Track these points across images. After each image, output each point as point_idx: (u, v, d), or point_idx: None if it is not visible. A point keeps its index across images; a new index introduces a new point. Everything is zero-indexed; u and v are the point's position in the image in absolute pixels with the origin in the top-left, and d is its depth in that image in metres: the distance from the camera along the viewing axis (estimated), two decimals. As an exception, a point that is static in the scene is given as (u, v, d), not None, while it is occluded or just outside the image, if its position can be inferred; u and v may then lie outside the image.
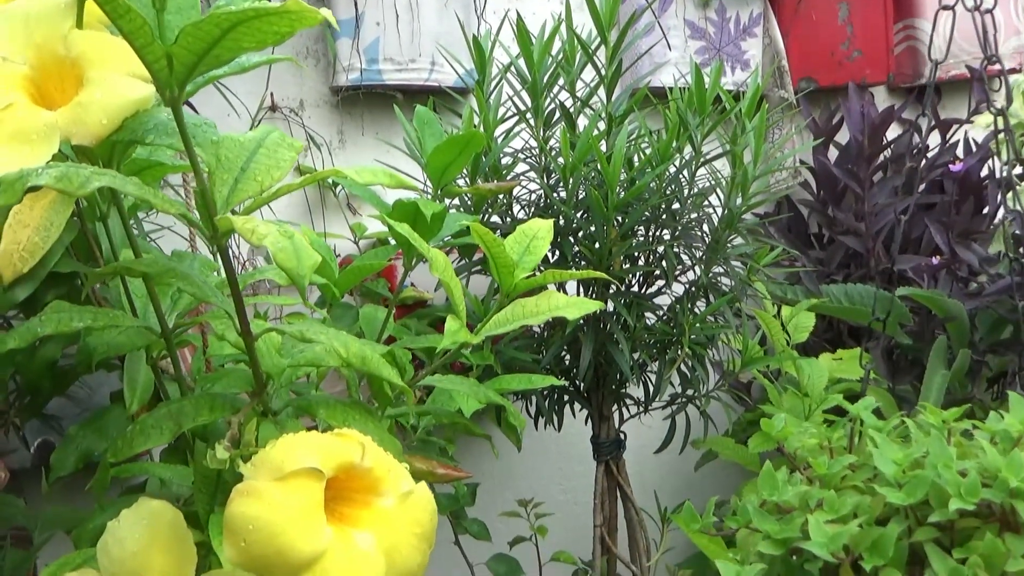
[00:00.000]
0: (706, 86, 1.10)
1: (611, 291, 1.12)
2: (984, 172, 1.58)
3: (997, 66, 1.70)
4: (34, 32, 0.54)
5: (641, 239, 1.14)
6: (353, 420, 0.56)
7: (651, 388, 1.18)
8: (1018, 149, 1.07)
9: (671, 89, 1.16)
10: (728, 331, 1.16)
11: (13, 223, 0.72)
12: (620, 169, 1.03)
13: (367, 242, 1.44)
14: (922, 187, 1.59)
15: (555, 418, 1.18)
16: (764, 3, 1.61)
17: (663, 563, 1.22)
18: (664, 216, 1.13)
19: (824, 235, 1.64)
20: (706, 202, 1.16)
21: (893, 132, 1.64)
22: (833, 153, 1.62)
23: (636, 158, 1.12)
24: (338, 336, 0.52)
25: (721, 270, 1.17)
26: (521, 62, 1.12)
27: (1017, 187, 1.09)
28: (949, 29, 1.03)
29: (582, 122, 1.14)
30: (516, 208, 1.17)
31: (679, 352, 1.13)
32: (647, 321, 1.15)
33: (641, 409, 1.21)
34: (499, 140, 1.13)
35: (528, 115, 1.14)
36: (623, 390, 1.20)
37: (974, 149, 1.60)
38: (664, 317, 1.16)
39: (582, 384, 1.17)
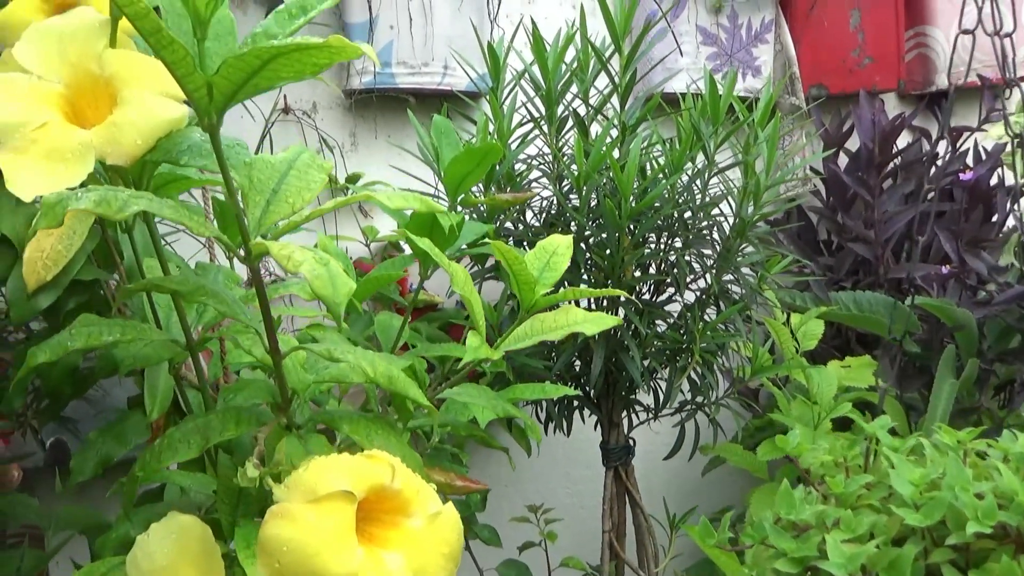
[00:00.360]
0: (720, 95, 1.11)
1: (622, 299, 1.12)
2: (994, 181, 1.59)
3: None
4: (68, 51, 0.54)
5: (653, 247, 1.15)
6: (376, 435, 0.57)
7: (661, 395, 1.19)
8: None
9: (683, 96, 1.17)
10: (738, 339, 1.16)
11: (37, 232, 0.73)
12: (634, 178, 1.03)
13: (378, 245, 1.44)
14: (931, 195, 1.59)
15: (564, 423, 1.19)
16: (776, 9, 1.61)
17: (671, 569, 1.23)
18: (676, 225, 1.14)
19: (833, 242, 1.64)
20: (716, 210, 1.17)
21: (904, 140, 1.64)
22: (843, 160, 1.63)
23: (649, 167, 1.13)
24: (365, 356, 0.53)
25: (731, 278, 1.17)
26: (535, 69, 1.13)
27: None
28: (962, 47, 1.03)
29: (595, 129, 1.15)
30: (529, 215, 1.18)
31: (689, 359, 1.14)
32: (658, 328, 1.16)
33: (651, 416, 1.22)
34: (513, 147, 1.14)
35: (542, 122, 1.15)
36: (633, 396, 1.20)
37: (984, 157, 1.61)
38: (675, 324, 1.17)
39: (592, 390, 1.18)
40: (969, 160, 1.63)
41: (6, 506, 1.01)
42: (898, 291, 1.54)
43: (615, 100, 1.14)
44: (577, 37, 1.13)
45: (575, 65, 1.14)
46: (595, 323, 0.69)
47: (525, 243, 1.15)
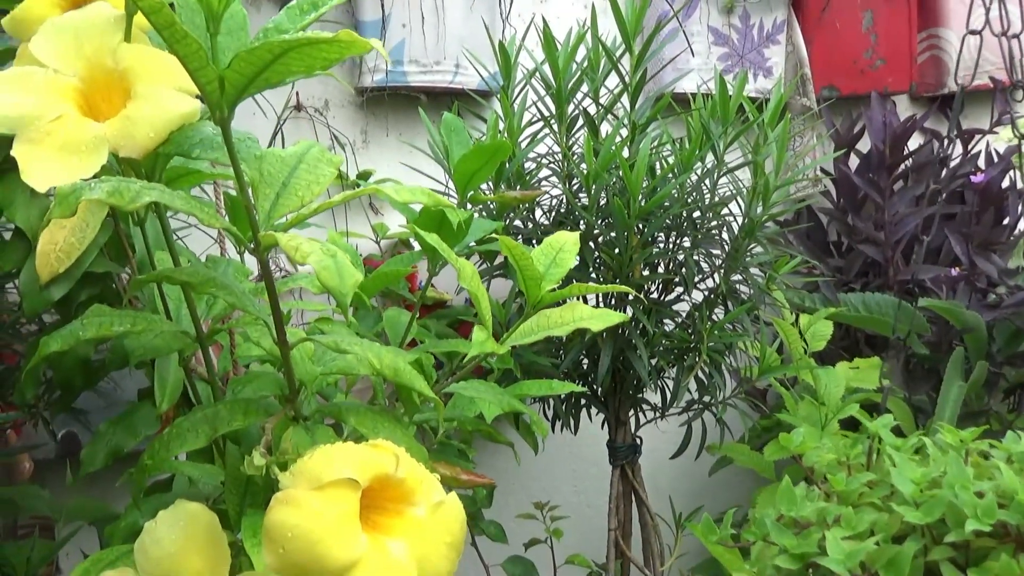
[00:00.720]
0: (730, 96, 1.11)
1: (630, 297, 1.13)
2: (1006, 183, 1.59)
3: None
4: (84, 45, 0.55)
5: (661, 246, 1.15)
6: (382, 428, 0.58)
7: (668, 394, 1.20)
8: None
9: (694, 96, 1.17)
10: (746, 339, 1.17)
11: (50, 224, 0.74)
12: (643, 177, 1.04)
13: (388, 242, 1.45)
14: (942, 197, 1.59)
15: (571, 421, 1.20)
16: (788, 10, 1.61)
17: (677, 568, 1.23)
18: (685, 224, 1.14)
19: (843, 243, 1.64)
20: (726, 210, 1.17)
21: (915, 141, 1.64)
22: (854, 161, 1.63)
23: (658, 166, 1.13)
24: (371, 347, 0.53)
25: (740, 278, 1.18)
26: (546, 68, 1.13)
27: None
28: (973, 48, 1.03)
29: (605, 128, 1.15)
30: (538, 213, 1.18)
31: (697, 359, 1.14)
32: (666, 327, 1.17)
33: (658, 415, 1.22)
34: (523, 146, 1.14)
35: (552, 121, 1.15)
36: (640, 395, 1.21)
37: (996, 160, 1.60)
38: (683, 324, 1.17)
39: (599, 388, 1.18)
40: (981, 162, 1.63)
41: (18, 497, 1.02)
42: (908, 293, 1.54)
43: (625, 99, 1.14)
44: (588, 36, 1.13)
45: (585, 64, 1.14)
46: (601, 319, 0.70)
47: (534, 241, 1.16)
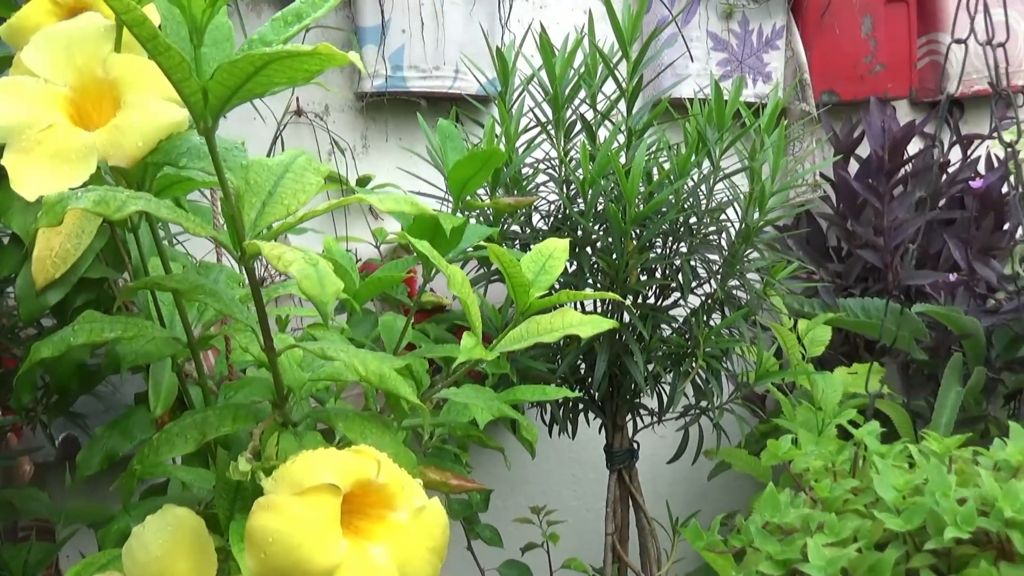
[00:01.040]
0: (726, 101, 1.11)
1: (627, 303, 1.13)
2: (1005, 188, 1.58)
3: (1022, 82, 1.70)
4: (75, 55, 0.56)
5: (658, 252, 1.15)
6: (370, 433, 0.58)
7: (665, 399, 1.20)
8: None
9: (691, 102, 1.18)
10: (743, 344, 1.17)
11: (46, 230, 0.75)
12: (638, 183, 1.04)
13: (388, 246, 1.46)
14: (942, 203, 1.59)
15: (569, 426, 1.20)
16: (787, 16, 1.61)
17: (673, 573, 1.24)
18: (682, 230, 1.14)
19: (843, 248, 1.64)
20: (723, 215, 1.17)
21: (916, 146, 1.64)
22: (854, 166, 1.63)
23: (656, 171, 1.13)
24: (357, 354, 0.54)
25: (737, 283, 1.18)
26: (543, 74, 1.14)
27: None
28: (972, 54, 1.04)
29: (603, 134, 1.16)
30: (536, 218, 1.19)
31: (693, 364, 1.15)
32: (663, 333, 1.17)
33: (655, 420, 1.22)
34: (520, 151, 1.15)
35: (549, 127, 1.16)
36: (637, 400, 1.21)
37: (996, 165, 1.60)
38: (679, 329, 1.17)
39: (597, 393, 1.19)
40: (981, 167, 1.63)
41: (17, 499, 1.03)
42: (907, 298, 1.54)
43: (622, 105, 1.15)
44: (586, 42, 1.14)
45: (583, 70, 1.15)
46: (591, 326, 0.70)
47: (531, 246, 1.16)
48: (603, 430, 1.22)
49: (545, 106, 1.16)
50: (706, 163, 1.14)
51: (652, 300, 1.19)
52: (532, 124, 1.17)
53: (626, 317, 1.13)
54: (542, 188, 1.18)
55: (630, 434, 1.22)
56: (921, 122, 1.62)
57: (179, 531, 0.52)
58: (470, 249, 0.90)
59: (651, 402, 1.22)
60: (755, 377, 1.21)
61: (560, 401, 1.18)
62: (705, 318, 1.15)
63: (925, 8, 1.68)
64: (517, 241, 1.17)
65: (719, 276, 1.16)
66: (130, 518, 0.65)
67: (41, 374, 0.89)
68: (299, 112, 1.44)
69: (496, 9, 1.48)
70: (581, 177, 1.08)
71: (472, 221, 1.16)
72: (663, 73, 1.47)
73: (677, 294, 1.17)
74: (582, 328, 0.70)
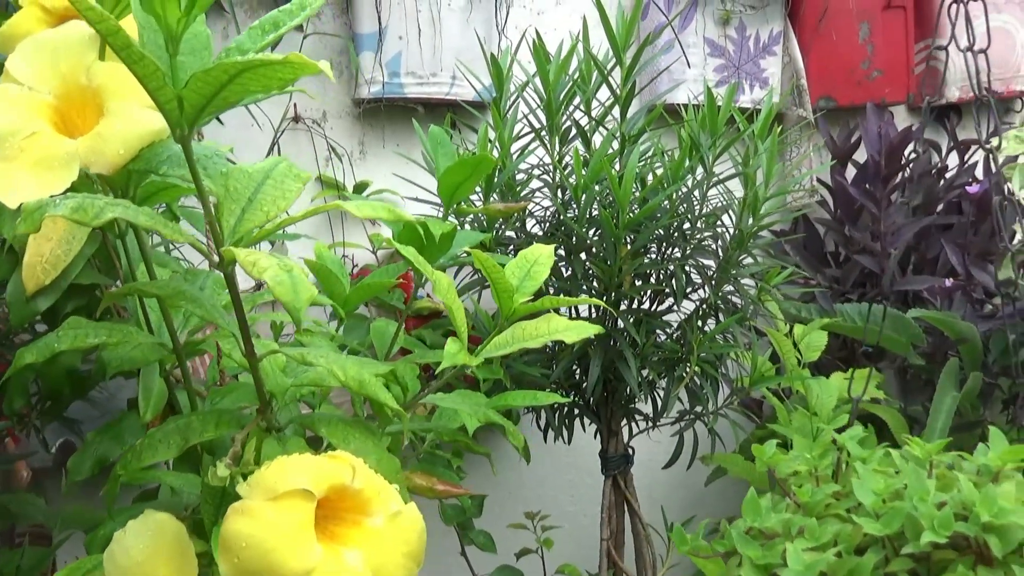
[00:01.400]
0: (718, 107, 1.12)
1: (621, 308, 1.13)
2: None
3: (1019, 87, 1.70)
4: (60, 63, 0.57)
5: (653, 257, 1.15)
6: (353, 438, 0.58)
7: (660, 404, 1.20)
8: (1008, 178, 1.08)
9: (685, 108, 1.18)
10: (738, 349, 1.17)
11: (37, 236, 0.75)
12: (631, 190, 1.04)
13: (385, 252, 1.46)
14: (940, 207, 1.59)
15: (564, 432, 1.20)
16: (784, 21, 1.62)
17: (668, 578, 1.24)
18: (675, 235, 1.15)
19: (840, 254, 1.64)
20: (718, 221, 1.17)
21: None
22: (851, 172, 1.63)
23: (650, 176, 1.14)
24: (337, 360, 0.54)
25: (732, 289, 1.18)
26: (538, 80, 1.14)
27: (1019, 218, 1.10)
28: (947, 61, 1.04)
29: (598, 140, 1.16)
30: (530, 223, 1.19)
31: (687, 369, 1.15)
32: (657, 338, 1.17)
33: (650, 425, 1.22)
34: (514, 157, 1.15)
35: (543, 133, 1.16)
36: (632, 405, 1.21)
37: (993, 170, 1.60)
38: (674, 335, 1.17)
39: (591, 399, 1.19)
40: (979, 173, 1.62)
41: (14, 505, 1.04)
42: (904, 304, 1.54)
43: (617, 111, 1.15)
44: (580, 48, 1.14)
45: (577, 76, 1.15)
46: (576, 331, 0.70)
47: (525, 252, 1.16)
48: (598, 435, 1.22)
49: (540, 112, 1.16)
50: (700, 169, 1.14)
51: (647, 305, 1.19)
52: (527, 130, 1.17)
53: (620, 323, 1.13)
54: (538, 193, 1.18)
55: (625, 439, 1.22)
56: (918, 127, 1.62)
57: (160, 536, 0.53)
58: (464, 254, 0.91)
59: (646, 407, 1.22)
60: (750, 382, 1.21)
61: (555, 406, 1.18)
62: (700, 323, 1.16)
63: (922, 14, 1.68)
64: (512, 246, 1.17)
65: (714, 281, 1.16)
66: (115, 524, 0.65)
67: (33, 380, 0.90)
68: (297, 118, 1.45)
69: (493, 15, 1.49)
70: (575, 183, 1.09)
71: (467, 227, 1.16)
72: (659, 79, 1.47)
73: (671, 299, 1.18)
74: (567, 334, 0.70)
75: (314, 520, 0.47)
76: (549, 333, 0.70)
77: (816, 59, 1.62)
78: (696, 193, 1.15)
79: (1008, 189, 1.58)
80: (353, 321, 1.14)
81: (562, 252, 1.14)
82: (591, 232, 1.12)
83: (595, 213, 1.12)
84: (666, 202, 1.11)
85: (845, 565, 0.54)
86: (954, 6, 0.86)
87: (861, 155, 1.62)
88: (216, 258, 0.50)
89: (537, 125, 1.16)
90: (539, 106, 1.16)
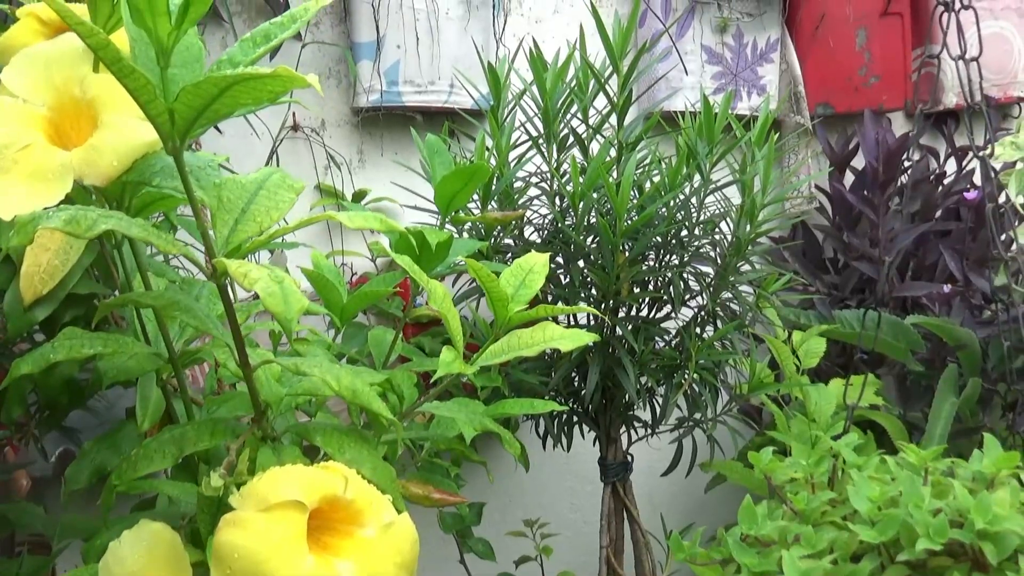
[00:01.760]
0: (715, 114, 1.12)
1: (619, 316, 1.14)
2: (1001, 199, 1.58)
3: (1017, 93, 1.70)
4: (54, 75, 0.57)
5: (650, 264, 1.16)
6: (348, 447, 0.59)
7: (658, 411, 1.20)
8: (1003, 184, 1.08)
9: (682, 115, 1.18)
10: (736, 356, 1.17)
11: (34, 246, 0.75)
12: (628, 197, 1.04)
13: (384, 260, 1.46)
14: (937, 214, 1.59)
15: (563, 439, 1.20)
16: (781, 29, 1.62)
17: (667, 585, 1.23)
18: (673, 242, 1.15)
19: (839, 260, 1.64)
20: (716, 228, 1.17)
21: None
22: (849, 179, 1.63)
23: (647, 184, 1.14)
24: (331, 369, 0.54)
25: (730, 296, 1.18)
26: (535, 89, 1.15)
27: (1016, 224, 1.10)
28: (939, 68, 1.04)
29: (596, 147, 1.16)
30: (528, 231, 1.19)
31: (685, 376, 1.15)
32: (655, 345, 1.17)
33: (649, 432, 1.22)
34: (512, 165, 1.15)
35: (540, 141, 1.17)
36: (631, 412, 1.21)
37: (989, 177, 1.60)
38: (672, 343, 1.17)
39: (590, 406, 1.19)
40: (977, 179, 1.62)
41: (14, 514, 1.04)
42: (903, 310, 1.54)
43: (614, 119, 1.15)
44: (577, 56, 1.14)
45: (574, 84, 1.15)
46: (572, 339, 0.70)
47: (523, 260, 1.16)
48: (597, 443, 1.22)
49: (537, 120, 1.16)
50: (697, 176, 1.14)
51: (645, 312, 1.19)
52: (524, 138, 1.17)
53: (618, 330, 1.13)
54: (536, 202, 1.18)
55: (624, 446, 1.22)
56: (914, 134, 1.62)
57: (155, 546, 0.53)
58: (461, 263, 0.91)
59: (645, 414, 1.22)
60: (749, 389, 1.21)
61: (554, 414, 1.18)
62: (698, 330, 1.16)
63: (919, 20, 1.68)
64: (510, 254, 1.17)
65: (712, 288, 1.16)
66: (111, 533, 0.65)
67: (32, 389, 0.90)
68: (295, 127, 1.45)
69: (491, 24, 1.49)
70: (572, 190, 1.09)
71: (465, 235, 1.17)
72: (657, 86, 1.48)
73: (669, 307, 1.18)
74: (563, 342, 0.70)
75: (306, 531, 0.47)
76: (545, 341, 0.70)
77: (813, 66, 1.62)
78: (694, 200, 1.15)
79: (1006, 196, 1.58)
80: (351, 329, 1.14)
81: (560, 260, 1.14)
82: (589, 240, 1.12)
83: (593, 221, 1.12)
84: (663, 209, 1.11)
85: (841, 572, 0.54)
86: (945, 14, 0.86)
87: (859, 162, 1.63)
88: (210, 269, 0.50)
89: (534, 133, 1.16)
90: (536, 114, 1.16)
